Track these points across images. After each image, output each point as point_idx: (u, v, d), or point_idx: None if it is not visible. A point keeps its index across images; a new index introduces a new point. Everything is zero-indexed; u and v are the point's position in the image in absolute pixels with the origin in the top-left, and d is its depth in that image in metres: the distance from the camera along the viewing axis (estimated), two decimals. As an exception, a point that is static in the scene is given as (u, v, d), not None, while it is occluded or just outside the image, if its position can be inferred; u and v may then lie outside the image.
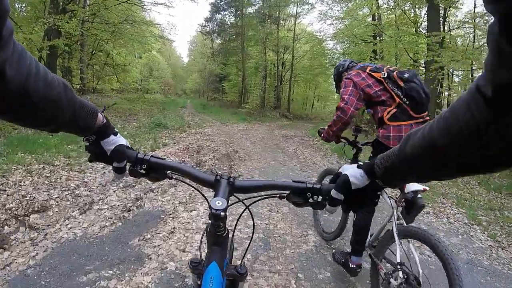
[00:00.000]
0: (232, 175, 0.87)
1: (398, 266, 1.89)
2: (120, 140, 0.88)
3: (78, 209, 3.28)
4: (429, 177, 0.64)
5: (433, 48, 9.79)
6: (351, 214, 2.57)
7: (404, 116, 2.06)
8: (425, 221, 4.09)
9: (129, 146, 0.91)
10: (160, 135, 8.46)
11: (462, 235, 3.78)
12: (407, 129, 2.03)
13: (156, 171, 0.87)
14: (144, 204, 3.59)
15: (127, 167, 0.89)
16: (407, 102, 2.04)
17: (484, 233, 3.97)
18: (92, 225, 2.99)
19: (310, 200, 0.84)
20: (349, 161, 2.68)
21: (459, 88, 17.33)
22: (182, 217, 3.34)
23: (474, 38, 12.92)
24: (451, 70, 13.16)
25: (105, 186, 4.02)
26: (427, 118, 2.13)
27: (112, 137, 0.87)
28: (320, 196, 0.84)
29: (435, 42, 9.61)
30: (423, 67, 12.26)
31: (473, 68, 13.11)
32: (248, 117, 18.13)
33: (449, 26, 13.03)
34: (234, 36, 25.58)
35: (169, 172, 0.89)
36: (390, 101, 2.10)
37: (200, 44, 40.79)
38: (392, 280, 1.92)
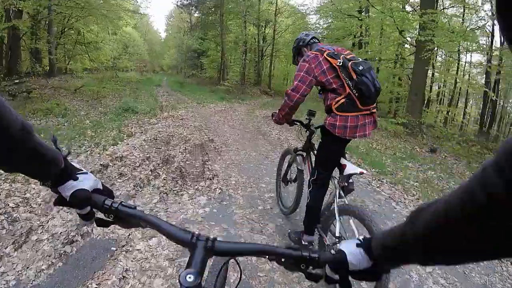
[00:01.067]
0: (211, 236, 0.69)
1: (337, 240, 2.09)
2: (80, 184, 0.75)
3: (13, 242, 2.47)
4: (439, 260, 0.51)
5: (429, 27, 9.05)
6: (305, 191, 2.61)
7: (352, 107, 2.10)
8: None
9: (99, 187, 0.80)
10: (127, 122, 7.48)
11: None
12: (353, 120, 2.10)
13: (126, 219, 0.75)
14: (92, 230, 2.76)
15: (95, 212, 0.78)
16: (356, 94, 2.07)
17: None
18: (27, 268, 2.22)
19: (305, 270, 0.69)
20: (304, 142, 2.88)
21: (442, 68, 16.98)
22: (138, 249, 2.53)
23: (463, 18, 12.35)
24: (434, 49, 12.61)
25: (49, 202, 3.15)
26: (374, 110, 2.20)
27: (70, 182, 0.74)
28: (317, 267, 0.70)
29: (431, 21, 8.86)
30: (414, 46, 11.54)
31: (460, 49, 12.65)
32: (227, 95, 17.05)
33: (443, 4, 12.33)
34: (212, 9, 24.00)
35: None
36: (340, 89, 2.11)
37: (177, 18, 38.72)
38: (332, 251, 2.01)
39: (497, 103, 15.75)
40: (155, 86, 19.62)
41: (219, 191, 3.81)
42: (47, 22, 15.03)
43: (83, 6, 13.53)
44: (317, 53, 2.20)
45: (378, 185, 4.81)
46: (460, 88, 18.01)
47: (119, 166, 4.33)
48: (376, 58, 14.40)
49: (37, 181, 0.75)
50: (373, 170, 5.56)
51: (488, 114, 15.53)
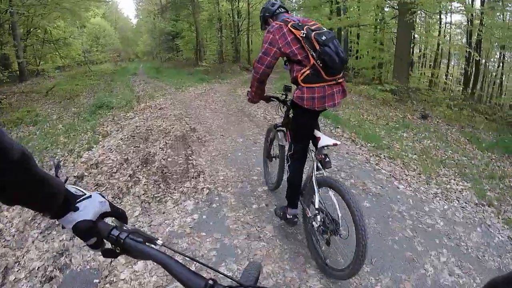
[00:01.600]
0: (227, 285, 0.58)
1: (316, 212, 2.14)
2: (81, 214, 0.67)
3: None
4: None
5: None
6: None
7: (317, 78, 2.08)
8: (439, 210, 3.31)
9: (107, 210, 0.72)
10: (102, 120, 6.95)
11: (480, 227, 3.11)
12: (320, 91, 2.09)
13: (135, 252, 0.65)
14: (71, 260, 2.40)
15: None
16: (321, 65, 2.04)
17: (498, 217, 3.38)
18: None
19: None
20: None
21: (421, 30, 16.65)
22: (123, 279, 2.18)
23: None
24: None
25: (23, 232, 2.78)
26: (341, 80, 2.17)
27: (70, 214, 0.67)
28: None
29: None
30: (396, 9, 11.09)
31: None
32: (206, 76, 16.26)
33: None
34: (181, -12, 22.83)
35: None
36: (305, 61, 2.09)
37: (146, 1, 36.84)
38: (314, 223, 2.16)
39: (480, 63, 15.74)
40: (131, 76, 18.67)
41: (207, 191, 3.44)
42: (10, 26, 14.47)
43: (46, 2, 13.02)
44: (282, 23, 2.17)
45: (376, 161, 4.55)
46: (442, 49, 17.79)
47: (95, 174, 3.92)
48: (357, 25, 13.96)
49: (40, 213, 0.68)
50: (369, 144, 5.29)
51: (471, 74, 15.50)
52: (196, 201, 3.25)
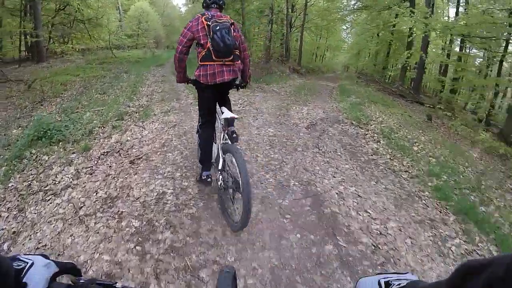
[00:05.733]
0: None
1: (219, 172, 2.59)
2: None
3: None
4: None
5: None
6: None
7: (208, 58, 2.47)
8: None
9: (55, 270, 0.57)
10: (15, 181, 3.26)
11: None
12: (211, 68, 2.48)
13: None
14: None
15: None
16: (211, 48, 2.43)
17: None
18: None
19: None
20: None
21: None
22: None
23: None
24: None
25: None
26: (229, 62, 2.52)
27: None
28: None
29: None
30: None
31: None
32: (247, 79, 11.98)
33: None
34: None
35: None
36: (205, 44, 2.46)
37: (195, -13, 33.48)
38: (218, 182, 2.61)
39: None
40: (156, 67, 14.88)
41: None
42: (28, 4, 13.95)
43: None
44: (200, 15, 2.52)
45: None
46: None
47: None
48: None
49: None
50: None
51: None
52: None
